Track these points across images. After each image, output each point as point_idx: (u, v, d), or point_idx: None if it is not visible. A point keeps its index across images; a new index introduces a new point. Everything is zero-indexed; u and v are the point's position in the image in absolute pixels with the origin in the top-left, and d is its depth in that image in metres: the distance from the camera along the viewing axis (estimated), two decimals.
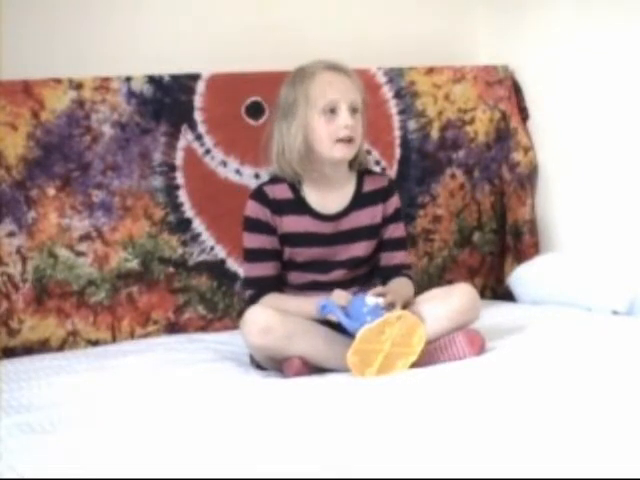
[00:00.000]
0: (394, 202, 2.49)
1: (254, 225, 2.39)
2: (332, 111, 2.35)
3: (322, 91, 2.35)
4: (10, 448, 1.76)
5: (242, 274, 2.54)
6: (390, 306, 2.22)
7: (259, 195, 2.41)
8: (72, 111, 2.59)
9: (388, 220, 2.47)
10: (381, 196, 2.47)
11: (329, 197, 2.43)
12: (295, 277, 2.42)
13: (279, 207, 2.39)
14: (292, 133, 2.38)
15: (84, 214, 2.61)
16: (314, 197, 2.42)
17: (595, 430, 1.68)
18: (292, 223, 2.40)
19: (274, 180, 2.43)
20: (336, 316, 2.21)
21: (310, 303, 2.29)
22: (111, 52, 2.72)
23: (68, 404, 2.05)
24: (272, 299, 2.34)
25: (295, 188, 2.42)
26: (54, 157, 2.57)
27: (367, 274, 2.47)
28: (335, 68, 2.39)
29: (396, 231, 2.48)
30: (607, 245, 2.92)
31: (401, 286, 2.38)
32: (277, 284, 2.40)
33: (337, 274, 2.41)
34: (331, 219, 2.42)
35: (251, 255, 2.40)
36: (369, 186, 2.47)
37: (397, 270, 2.45)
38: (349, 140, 2.35)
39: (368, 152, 2.81)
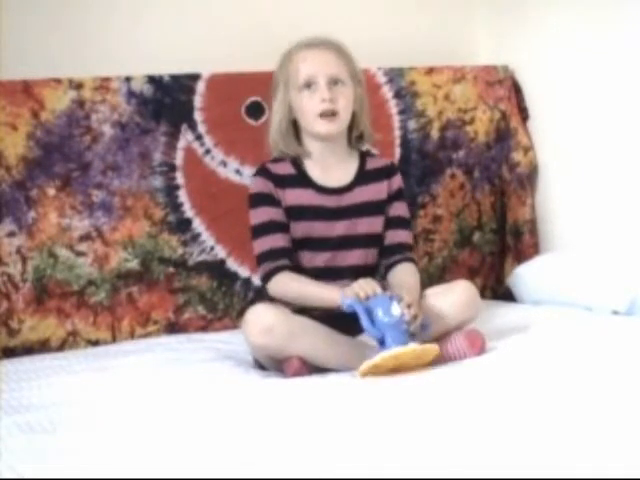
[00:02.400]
0: (397, 180, 2.50)
1: (259, 199, 2.39)
2: (310, 86, 2.37)
3: (297, 69, 2.38)
4: (10, 448, 1.76)
5: (253, 252, 2.41)
6: (413, 319, 2.20)
7: (261, 171, 2.43)
8: (72, 111, 2.59)
9: (392, 197, 2.47)
10: (385, 173, 2.48)
11: (331, 172, 2.44)
12: (308, 260, 2.40)
13: (282, 181, 2.40)
14: (274, 113, 2.43)
15: (84, 214, 2.61)
16: (316, 172, 2.43)
17: (595, 430, 1.68)
18: (295, 196, 2.40)
19: (276, 159, 2.45)
20: (359, 317, 2.18)
21: (331, 291, 2.27)
22: (111, 52, 2.72)
23: (68, 404, 2.05)
24: (288, 278, 2.33)
25: (297, 164, 2.43)
26: (54, 157, 2.57)
27: (376, 263, 2.46)
28: (314, 44, 2.41)
29: (400, 209, 2.48)
30: (607, 245, 2.91)
31: (412, 285, 2.34)
32: (289, 257, 2.36)
33: (353, 256, 2.40)
34: (335, 192, 2.42)
35: (260, 230, 2.38)
36: (372, 165, 2.49)
37: (400, 249, 2.45)
38: (331, 114, 2.36)
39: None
